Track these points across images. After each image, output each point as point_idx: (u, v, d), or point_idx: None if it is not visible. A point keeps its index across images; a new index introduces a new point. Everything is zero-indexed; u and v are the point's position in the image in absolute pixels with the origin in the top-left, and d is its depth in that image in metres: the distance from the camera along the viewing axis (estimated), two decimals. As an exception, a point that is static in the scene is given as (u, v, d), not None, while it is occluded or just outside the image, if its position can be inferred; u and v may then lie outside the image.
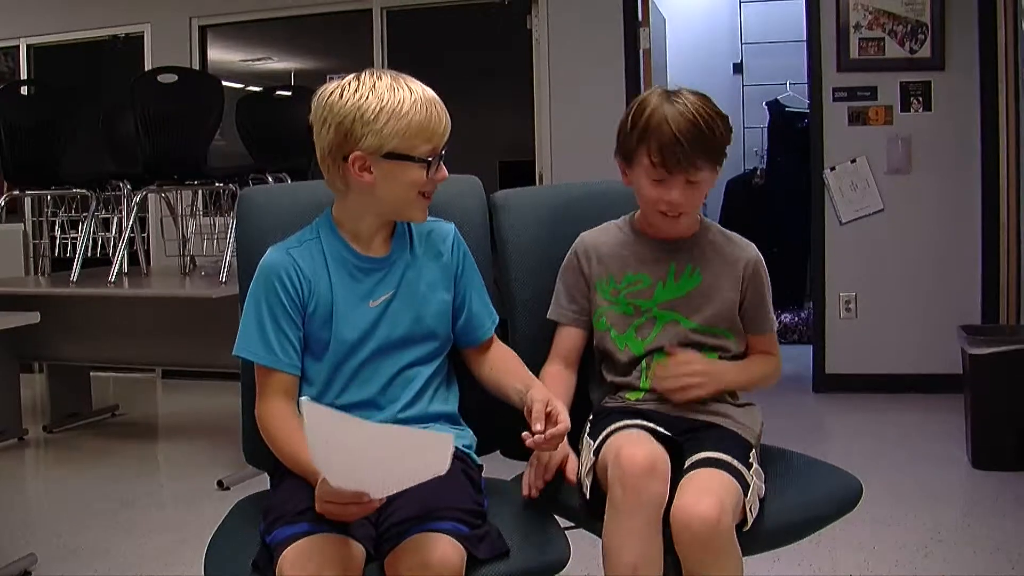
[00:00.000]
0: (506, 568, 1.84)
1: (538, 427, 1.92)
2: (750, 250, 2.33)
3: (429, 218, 2.14)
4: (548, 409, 1.95)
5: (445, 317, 2.15)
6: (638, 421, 2.09)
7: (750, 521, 1.96)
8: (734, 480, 1.96)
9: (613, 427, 2.08)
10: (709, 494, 1.90)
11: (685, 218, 2.23)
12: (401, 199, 2.03)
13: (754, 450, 2.16)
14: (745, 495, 1.96)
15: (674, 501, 1.91)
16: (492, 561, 1.83)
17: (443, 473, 1.63)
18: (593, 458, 2.03)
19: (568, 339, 2.34)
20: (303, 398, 1.68)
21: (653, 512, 1.89)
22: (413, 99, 1.96)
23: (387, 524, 1.81)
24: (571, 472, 2.10)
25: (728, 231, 2.38)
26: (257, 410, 2.02)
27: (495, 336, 2.26)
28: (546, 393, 2.02)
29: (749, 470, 2.02)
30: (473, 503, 1.92)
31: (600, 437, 2.06)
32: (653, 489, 1.90)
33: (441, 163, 2.03)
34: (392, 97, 1.95)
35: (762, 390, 2.31)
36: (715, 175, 2.22)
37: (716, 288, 2.26)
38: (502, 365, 2.22)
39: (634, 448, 1.93)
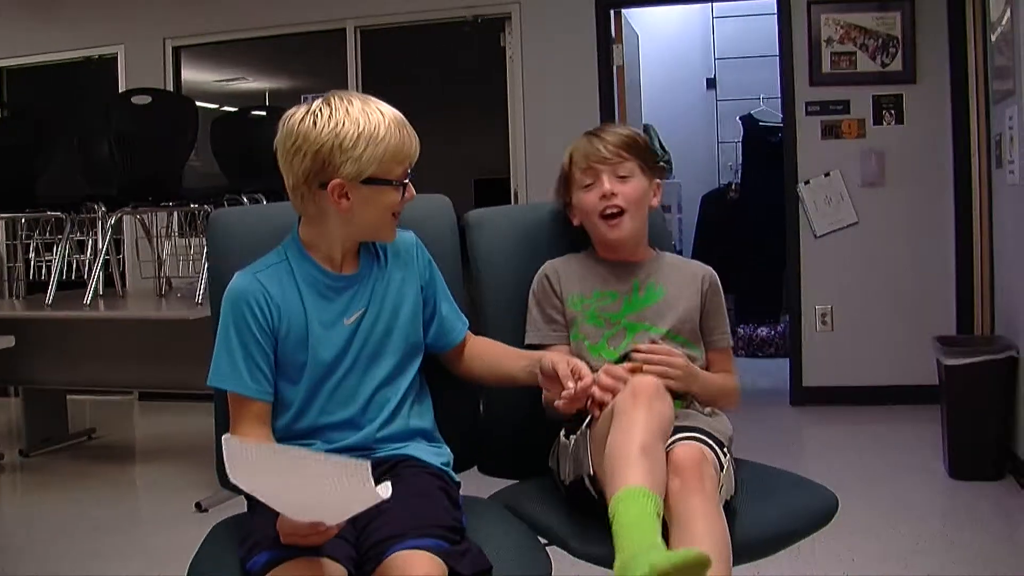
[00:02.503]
0: None
1: (570, 384, 1.98)
2: (706, 268, 2.47)
3: None
4: (571, 367, 2.01)
5: (417, 325, 2.17)
6: None
7: (722, 499, 1.98)
8: (710, 451, 2.00)
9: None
10: (691, 447, 1.96)
11: (627, 219, 2.35)
12: (376, 222, 2.05)
13: (727, 448, 2.19)
14: (720, 468, 2.01)
15: None
16: None
17: (383, 499, 1.62)
18: (588, 431, 2.06)
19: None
20: (224, 436, 1.67)
21: (658, 425, 1.92)
22: (387, 122, 1.98)
23: (368, 543, 1.81)
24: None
25: (683, 257, 2.55)
26: None
27: (468, 332, 2.30)
28: (562, 355, 2.09)
29: (724, 458, 2.06)
30: (452, 520, 1.92)
31: (586, 421, 2.09)
32: (661, 406, 1.95)
33: (410, 182, 2.05)
34: (368, 122, 1.96)
35: (730, 407, 2.35)
36: (648, 182, 2.39)
37: (679, 298, 2.37)
38: (492, 352, 2.28)
39: (643, 377, 2.01)
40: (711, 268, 2.47)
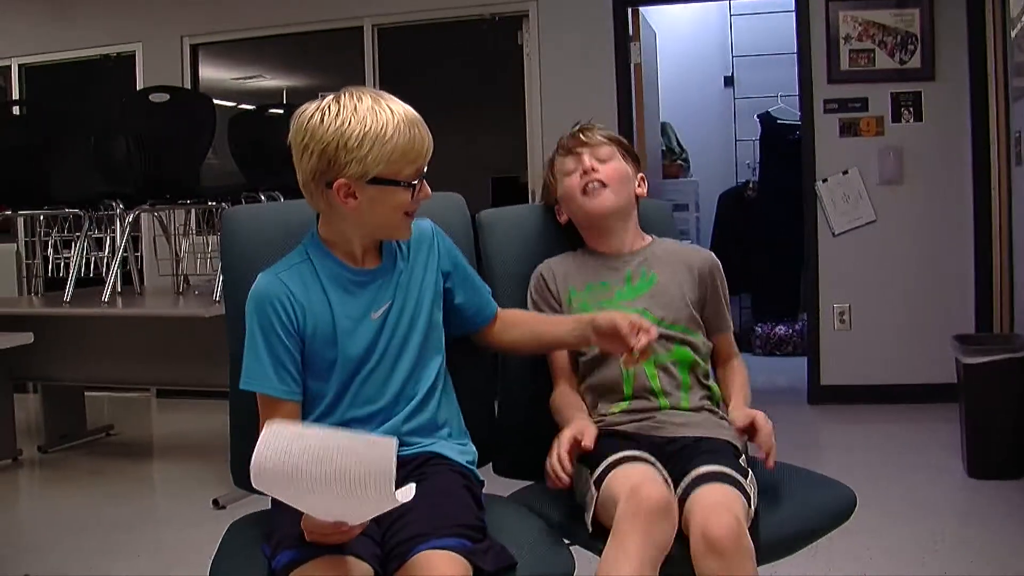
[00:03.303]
0: None
1: (634, 341, 2.01)
2: (705, 253, 2.48)
3: None
4: (631, 322, 2.04)
5: (439, 315, 2.16)
6: (636, 452, 2.09)
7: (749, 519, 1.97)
8: (739, 492, 1.98)
9: (613, 458, 2.07)
10: (724, 510, 1.91)
11: (609, 193, 2.37)
12: (387, 222, 2.03)
13: (743, 456, 2.20)
14: (749, 505, 1.99)
15: (688, 520, 1.93)
16: (499, 574, 1.83)
17: (404, 501, 1.62)
18: (595, 491, 2.04)
19: (560, 357, 2.38)
20: (263, 428, 1.64)
21: (658, 554, 1.89)
22: (396, 122, 1.93)
23: (393, 542, 1.81)
24: (589, 439, 2.10)
25: (683, 242, 2.53)
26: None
27: (508, 312, 2.32)
28: (619, 312, 2.10)
29: (746, 478, 2.05)
30: (475, 518, 1.92)
31: (600, 469, 2.07)
32: (664, 531, 1.91)
33: (423, 181, 2.02)
34: (375, 121, 1.92)
35: (756, 399, 2.34)
36: (632, 169, 2.44)
37: (674, 285, 2.36)
38: (531, 319, 2.32)
39: (651, 487, 1.94)
40: (711, 253, 2.48)
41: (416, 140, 1.96)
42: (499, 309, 2.30)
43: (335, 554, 1.75)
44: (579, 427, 2.12)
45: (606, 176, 2.37)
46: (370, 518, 1.72)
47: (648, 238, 2.48)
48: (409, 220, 2.05)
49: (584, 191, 2.37)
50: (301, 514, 1.74)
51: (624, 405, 2.26)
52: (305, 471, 1.60)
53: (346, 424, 2.03)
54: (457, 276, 2.21)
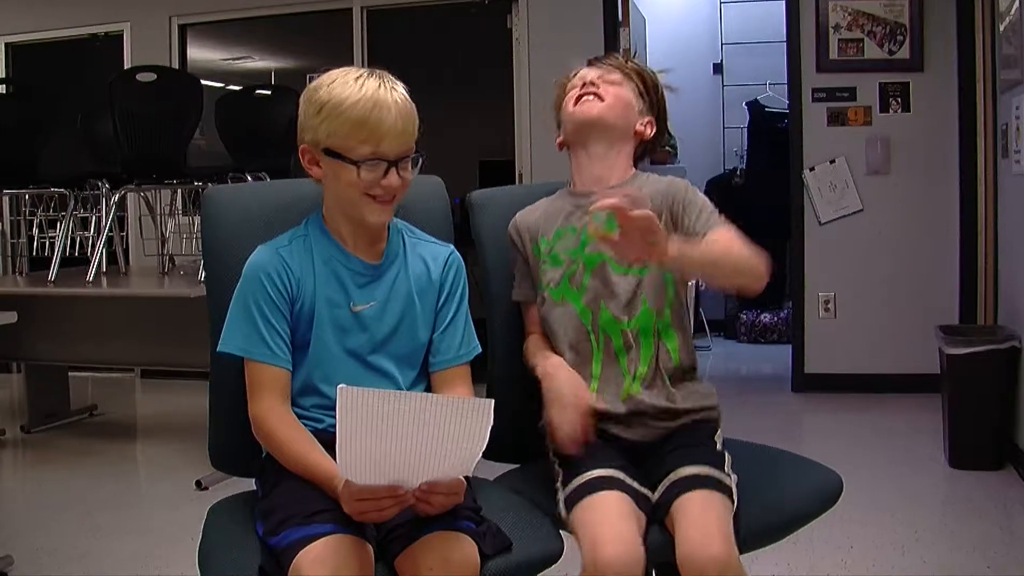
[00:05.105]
0: (509, 561, 1.86)
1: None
2: (676, 183, 2.28)
3: (431, 239, 2.13)
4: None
5: (425, 336, 2.10)
6: (607, 473, 2.01)
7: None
8: (724, 497, 1.95)
9: (582, 480, 2.02)
10: (712, 529, 1.87)
11: (600, 104, 2.28)
12: (345, 198, 1.99)
13: (719, 431, 2.17)
14: (732, 502, 1.97)
15: (676, 536, 1.89)
16: (496, 556, 1.84)
17: (481, 449, 1.65)
18: (565, 511, 2.02)
19: (537, 315, 2.31)
20: (340, 386, 1.60)
21: None
22: (359, 98, 1.89)
23: (394, 523, 1.80)
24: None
25: (660, 177, 2.34)
26: (253, 411, 1.95)
27: (462, 378, 2.14)
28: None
29: (724, 468, 2.02)
30: (473, 500, 1.92)
31: (570, 488, 2.03)
32: None
33: (395, 169, 1.94)
34: (340, 94, 1.91)
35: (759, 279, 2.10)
36: (639, 104, 2.34)
37: None
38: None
39: (610, 545, 1.86)
40: (679, 179, 2.30)
41: (371, 120, 1.90)
42: (457, 380, 2.12)
43: (344, 533, 1.73)
44: (576, 402, 2.09)
45: (604, 92, 2.29)
46: (433, 476, 1.72)
47: (632, 171, 2.33)
48: (372, 203, 1.97)
49: (576, 101, 2.30)
50: (305, 495, 1.76)
51: (595, 384, 2.18)
52: (400, 410, 1.61)
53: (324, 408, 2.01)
54: (436, 309, 2.12)
